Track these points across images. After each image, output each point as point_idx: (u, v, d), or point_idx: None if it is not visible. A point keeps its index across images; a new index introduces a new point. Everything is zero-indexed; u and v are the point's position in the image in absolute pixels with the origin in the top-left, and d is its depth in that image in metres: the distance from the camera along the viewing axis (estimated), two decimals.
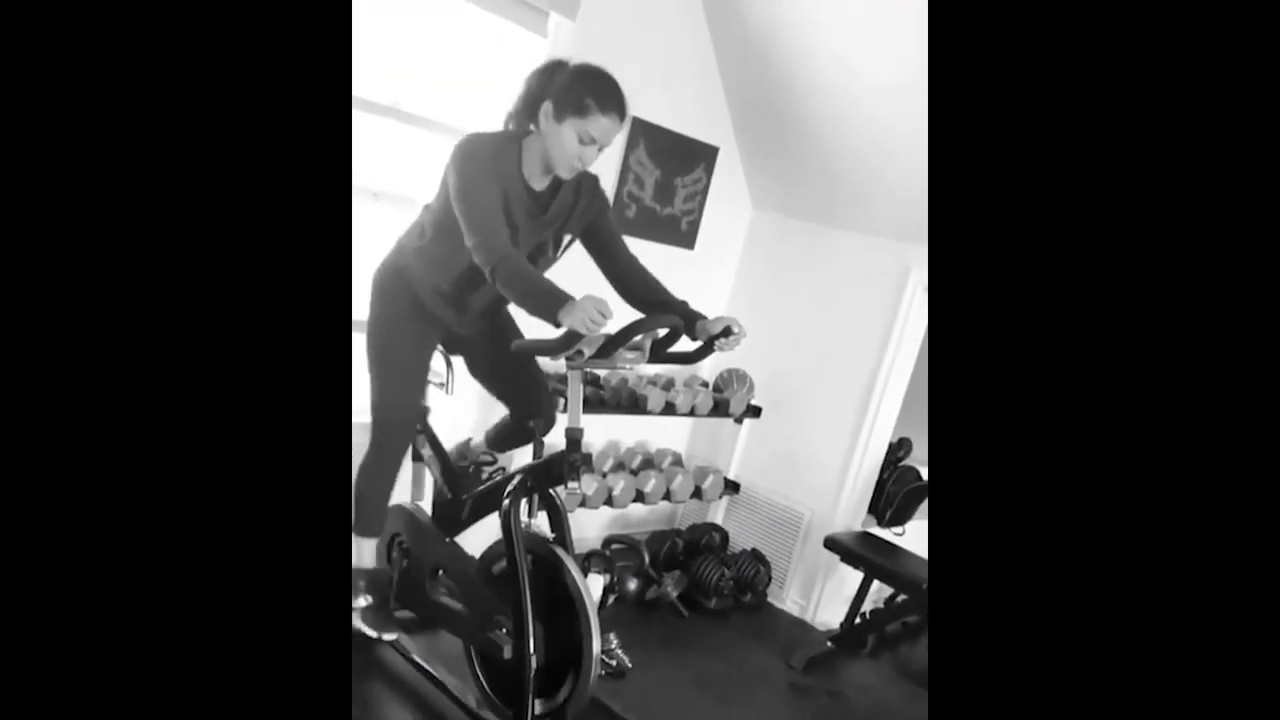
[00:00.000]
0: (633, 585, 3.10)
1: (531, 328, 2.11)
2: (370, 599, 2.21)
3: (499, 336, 2.17)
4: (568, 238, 2.06)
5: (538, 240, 1.99)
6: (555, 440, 2.03)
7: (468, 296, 2.04)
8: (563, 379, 1.98)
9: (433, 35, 2.67)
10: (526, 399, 2.28)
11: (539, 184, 1.95)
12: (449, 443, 2.42)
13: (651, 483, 3.20)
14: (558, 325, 1.68)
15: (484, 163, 1.84)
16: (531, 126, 1.91)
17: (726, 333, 1.93)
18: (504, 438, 2.38)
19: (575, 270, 2.04)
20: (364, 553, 2.22)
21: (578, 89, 1.82)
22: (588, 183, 2.02)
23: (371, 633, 2.17)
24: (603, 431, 3.45)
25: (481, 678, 2.18)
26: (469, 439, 2.47)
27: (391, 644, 2.39)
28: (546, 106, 1.84)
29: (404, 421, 2.13)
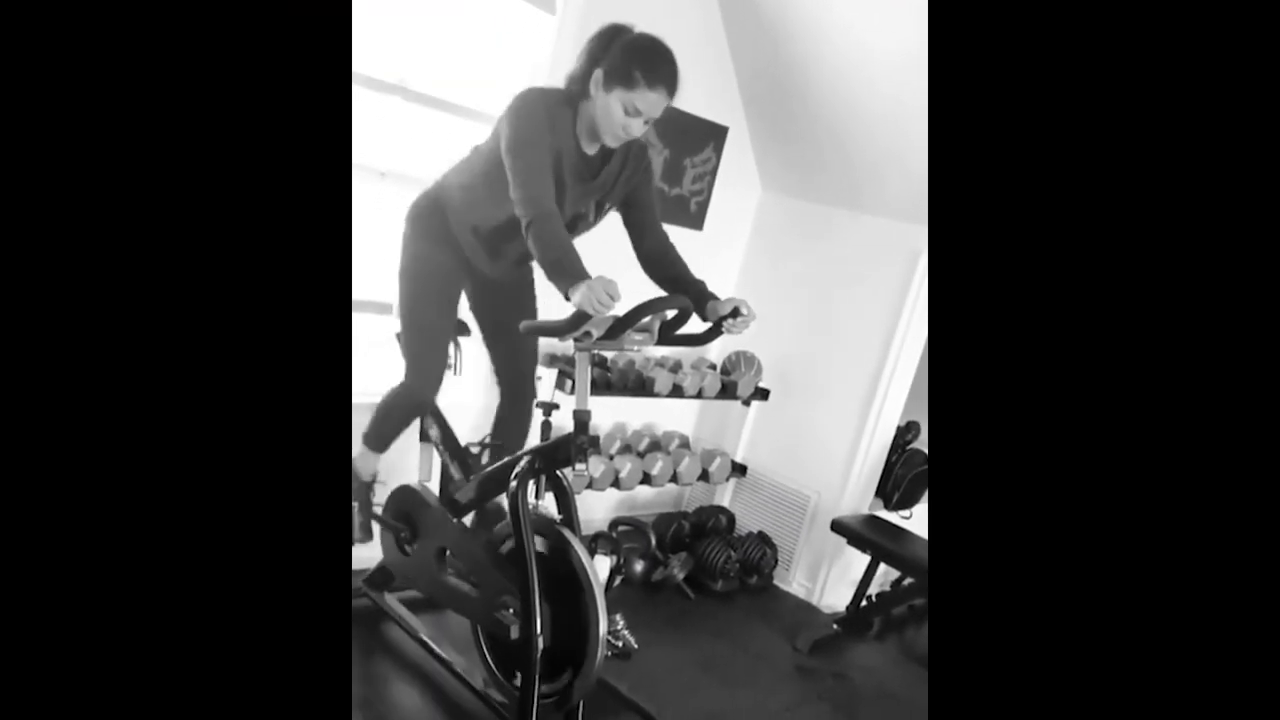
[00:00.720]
0: (639, 567, 3.11)
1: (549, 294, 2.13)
2: (355, 505, 2.31)
3: (523, 284, 2.22)
4: (608, 206, 2.07)
5: (583, 205, 2.01)
6: (563, 422, 2.03)
7: (504, 244, 2.06)
8: (571, 360, 1.98)
9: (440, 12, 2.64)
10: (519, 359, 2.32)
11: (590, 148, 1.96)
12: (455, 421, 2.42)
13: (658, 465, 3.20)
14: (567, 298, 1.68)
15: (540, 119, 1.84)
16: (590, 90, 1.90)
17: (735, 314, 1.92)
18: (502, 428, 2.40)
19: (594, 245, 2.04)
20: (366, 465, 2.30)
21: (629, 60, 1.82)
22: (636, 149, 2.03)
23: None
24: (610, 414, 3.44)
25: (488, 657, 2.19)
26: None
27: (399, 623, 2.40)
28: (598, 74, 1.84)
29: (442, 329, 2.17)
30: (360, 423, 2.30)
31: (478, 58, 2.76)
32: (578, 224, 2.04)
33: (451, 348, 2.32)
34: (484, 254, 2.09)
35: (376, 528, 2.39)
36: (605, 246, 2.14)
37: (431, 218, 2.09)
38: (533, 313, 2.27)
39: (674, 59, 1.86)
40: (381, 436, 2.30)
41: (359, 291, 2.43)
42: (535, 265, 2.09)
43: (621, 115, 1.84)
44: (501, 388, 2.37)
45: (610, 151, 1.98)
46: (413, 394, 2.20)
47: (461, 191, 2.04)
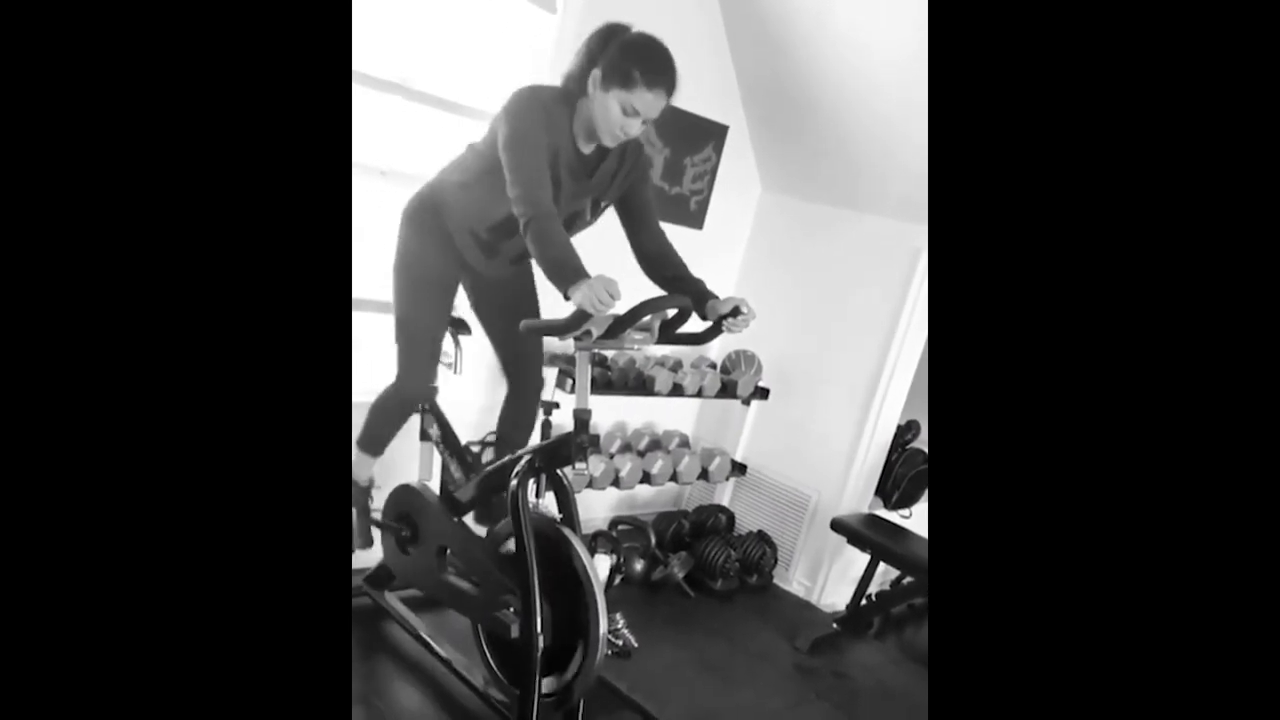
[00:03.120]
0: (639, 566, 3.11)
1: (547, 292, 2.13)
2: (355, 509, 2.31)
3: (522, 282, 2.21)
4: (605, 204, 2.07)
5: (579, 204, 2.01)
6: (563, 421, 2.03)
7: (501, 243, 2.06)
8: (571, 359, 1.98)
9: (441, 11, 2.64)
10: (524, 356, 2.32)
11: (586, 147, 1.96)
12: (456, 420, 2.42)
13: (658, 464, 3.20)
14: (567, 298, 1.68)
15: (538, 117, 1.84)
16: (587, 89, 1.90)
17: (735, 313, 1.92)
18: (508, 423, 2.39)
19: (592, 244, 2.04)
20: (362, 470, 2.31)
21: (627, 60, 1.82)
22: (632, 147, 2.03)
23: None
24: (610, 413, 3.44)
25: (489, 656, 2.19)
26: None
27: (399, 622, 2.41)
28: (595, 73, 1.84)
29: (434, 329, 2.17)
30: (360, 421, 2.30)
31: (479, 56, 2.76)
32: (575, 222, 2.04)
33: (452, 346, 2.32)
34: (480, 252, 2.09)
35: (376, 533, 2.38)
36: (605, 245, 2.14)
37: (426, 216, 2.09)
38: (534, 311, 2.27)
39: (672, 59, 1.85)
40: (376, 439, 2.29)
41: (359, 290, 2.43)
42: (534, 264, 2.10)
43: (619, 115, 1.84)
44: (509, 383, 2.36)
45: (606, 150, 1.98)
46: (401, 391, 2.20)
47: (457, 190, 2.04)
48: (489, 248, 2.07)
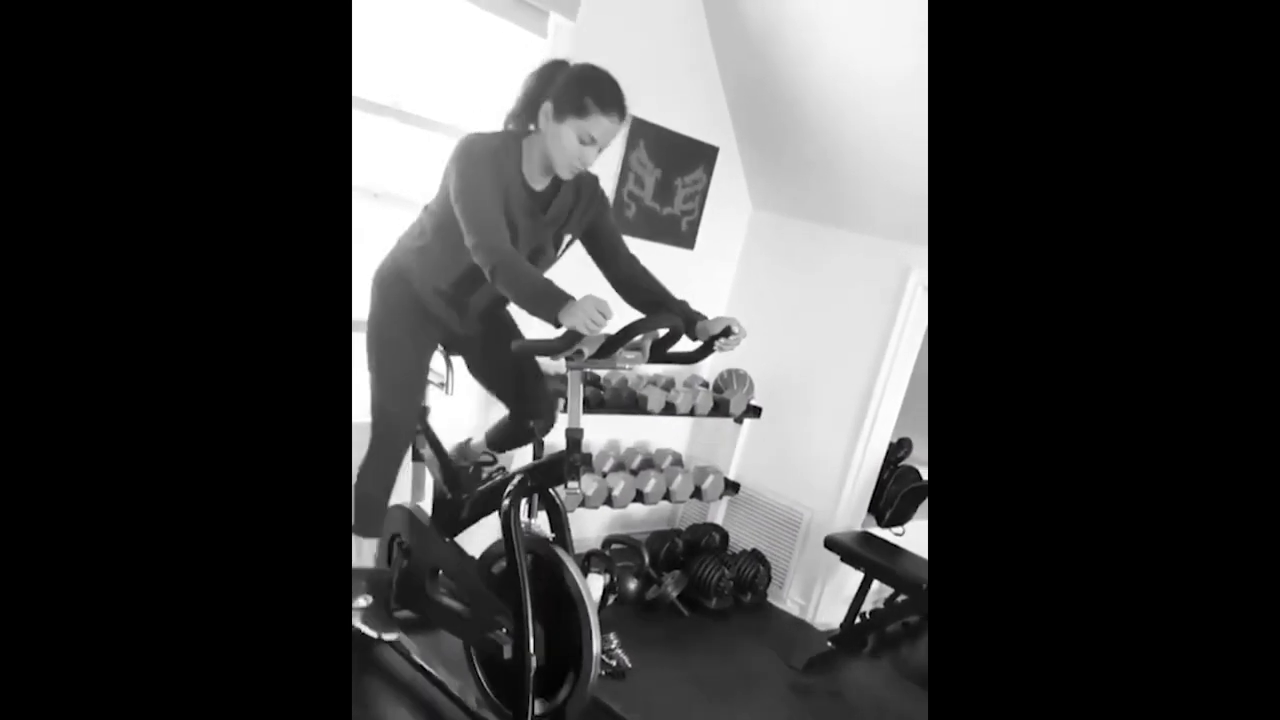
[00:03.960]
0: (633, 585, 3.10)
1: (532, 328, 2.11)
2: (370, 599, 2.21)
3: (499, 336, 2.17)
4: (568, 238, 2.07)
5: (538, 241, 2.00)
6: (555, 440, 2.03)
7: (468, 297, 2.04)
8: (563, 379, 1.98)
9: (433, 35, 2.67)
10: (527, 398, 2.28)
11: (539, 184, 1.95)
12: (449, 443, 2.42)
13: (651, 483, 3.20)
14: (558, 325, 1.68)
15: (485, 162, 1.83)
16: (531, 127, 1.91)
17: (727, 333, 1.93)
18: (504, 438, 2.37)
19: (575, 270, 2.04)
20: (364, 553, 2.22)
21: (578, 89, 1.82)
22: (587, 182, 2.02)
23: (371, 633, 2.17)
24: (603, 432, 3.44)
25: (482, 678, 2.18)
26: (469, 439, 2.47)
27: (391, 644, 2.39)
28: (547, 106, 1.84)
29: (404, 422, 2.13)
30: (360, 442, 2.28)
31: (470, 80, 2.79)
32: (538, 259, 2.02)
33: (444, 367, 2.32)
34: (452, 311, 2.07)
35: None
36: (591, 272, 2.12)
37: (395, 285, 2.06)
38: (518, 335, 2.25)
39: (620, 86, 1.86)
40: (367, 523, 2.18)
41: (356, 311, 2.43)
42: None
43: (575, 145, 1.83)
44: (515, 405, 2.30)
45: (559, 184, 1.97)
46: (379, 475, 2.12)
47: (416, 254, 2.01)
48: (457, 303, 2.05)
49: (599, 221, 2.06)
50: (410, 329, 2.08)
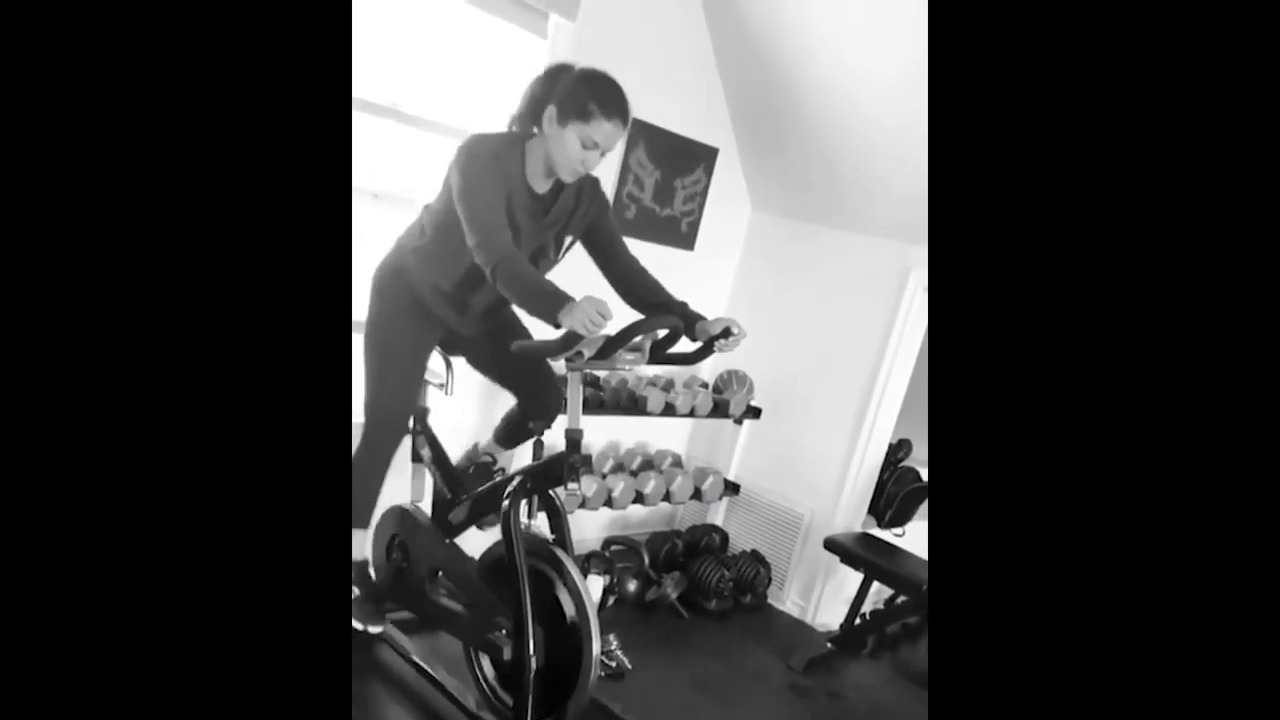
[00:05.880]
0: (632, 586, 3.10)
1: (535, 326, 2.11)
2: (359, 591, 2.23)
3: (502, 335, 2.17)
4: (569, 239, 2.07)
5: (539, 242, 2.00)
6: (555, 441, 2.03)
7: (469, 297, 2.04)
8: (562, 380, 1.98)
9: (433, 36, 2.67)
10: (536, 397, 2.28)
11: (541, 186, 1.96)
12: (450, 445, 2.42)
13: (651, 484, 3.20)
14: (558, 326, 1.68)
15: (488, 164, 1.84)
16: (535, 129, 1.91)
17: (726, 334, 1.93)
18: (513, 431, 2.37)
19: (576, 271, 2.04)
20: (357, 545, 2.23)
21: (581, 93, 1.83)
22: (589, 185, 2.03)
23: (359, 625, 2.17)
24: (602, 433, 3.44)
25: (483, 678, 2.17)
26: (475, 444, 2.47)
27: (391, 645, 2.39)
28: (550, 110, 1.85)
29: (396, 421, 2.13)
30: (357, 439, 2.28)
31: (471, 81, 2.79)
32: (539, 260, 2.02)
33: (443, 368, 2.32)
34: (452, 311, 2.07)
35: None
36: (590, 271, 2.12)
37: (394, 285, 2.06)
38: (524, 334, 2.26)
39: (623, 91, 1.87)
40: (358, 512, 2.17)
41: (356, 312, 2.43)
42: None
43: (578, 149, 1.84)
44: (522, 393, 2.29)
45: (561, 187, 1.98)
46: (369, 465, 2.10)
47: (417, 255, 2.02)
48: (458, 303, 2.05)
49: (599, 223, 2.06)
50: (408, 327, 2.08)
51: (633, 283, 2.06)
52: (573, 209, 2.01)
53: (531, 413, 2.29)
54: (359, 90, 2.48)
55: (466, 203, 1.81)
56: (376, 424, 2.10)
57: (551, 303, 1.68)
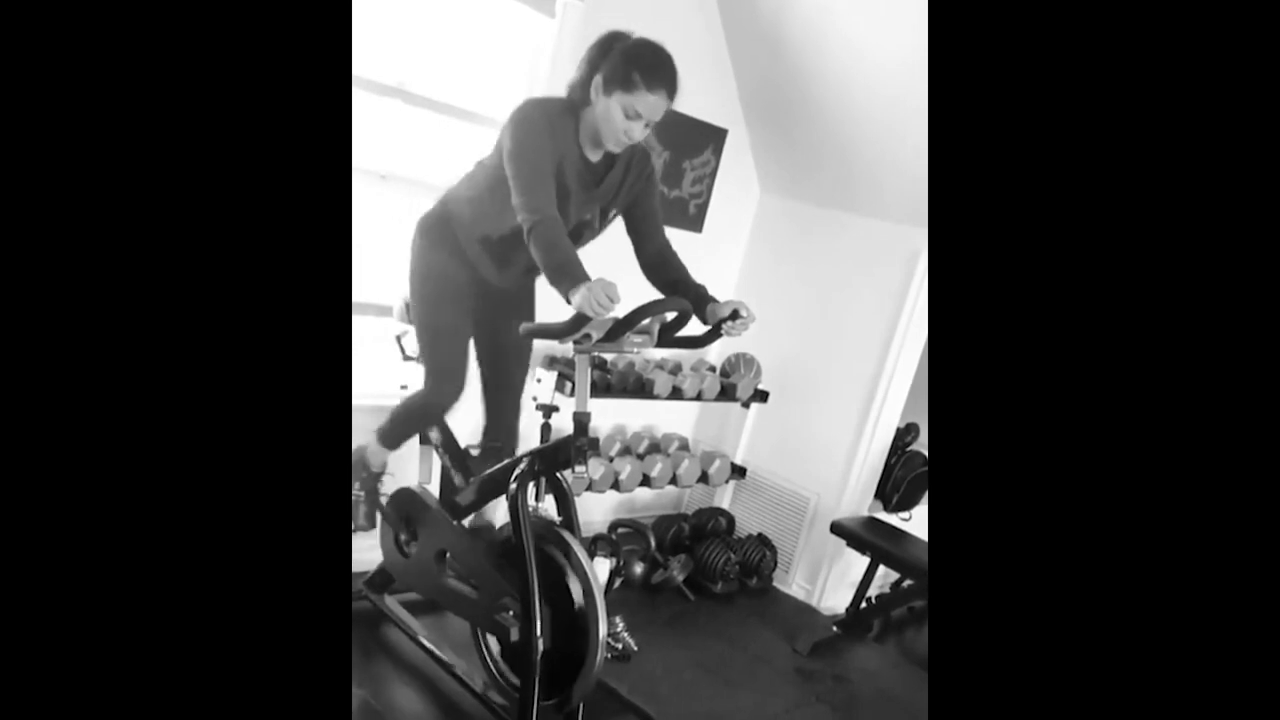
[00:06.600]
0: (639, 569, 3.10)
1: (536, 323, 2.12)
2: (360, 493, 2.32)
3: (525, 286, 2.22)
4: (613, 212, 2.08)
5: (586, 211, 2.02)
6: (562, 424, 2.03)
7: (512, 253, 2.07)
8: (570, 363, 1.98)
9: (440, 16, 2.65)
10: (494, 414, 2.34)
11: (594, 155, 1.98)
12: (459, 430, 2.42)
13: (658, 467, 3.20)
14: (568, 301, 1.69)
15: (541, 127, 1.86)
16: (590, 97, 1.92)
17: (734, 316, 1.92)
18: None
19: (600, 246, 2.05)
20: (376, 457, 2.31)
21: (626, 64, 1.84)
22: (639, 156, 2.06)
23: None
24: (610, 416, 3.44)
25: (490, 659, 2.19)
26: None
27: (399, 625, 2.40)
28: (597, 79, 1.87)
29: (456, 331, 2.16)
30: (360, 424, 2.30)
31: (477, 60, 2.77)
32: (583, 232, 2.05)
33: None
34: (492, 264, 2.11)
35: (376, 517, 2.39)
36: (605, 250, 2.14)
37: (441, 230, 2.11)
38: (530, 314, 2.27)
39: (673, 62, 1.88)
40: (395, 436, 2.30)
41: (359, 294, 2.44)
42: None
43: (622, 119, 1.86)
44: (485, 375, 2.34)
45: (614, 158, 2.00)
46: (430, 405, 2.18)
47: (467, 205, 2.06)
48: (501, 258, 2.09)
49: (644, 196, 2.09)
50: (451, 269, 2.11)
51: (660, 262, 2.09)
52: (620, 181, 2.03)
53: (491, 428, 2.36)
54: (366, 70, 2.47)
55: (516, 163, 1.84)
56: (431, 336, 2.13)
57: (568, 277, 1.71)
